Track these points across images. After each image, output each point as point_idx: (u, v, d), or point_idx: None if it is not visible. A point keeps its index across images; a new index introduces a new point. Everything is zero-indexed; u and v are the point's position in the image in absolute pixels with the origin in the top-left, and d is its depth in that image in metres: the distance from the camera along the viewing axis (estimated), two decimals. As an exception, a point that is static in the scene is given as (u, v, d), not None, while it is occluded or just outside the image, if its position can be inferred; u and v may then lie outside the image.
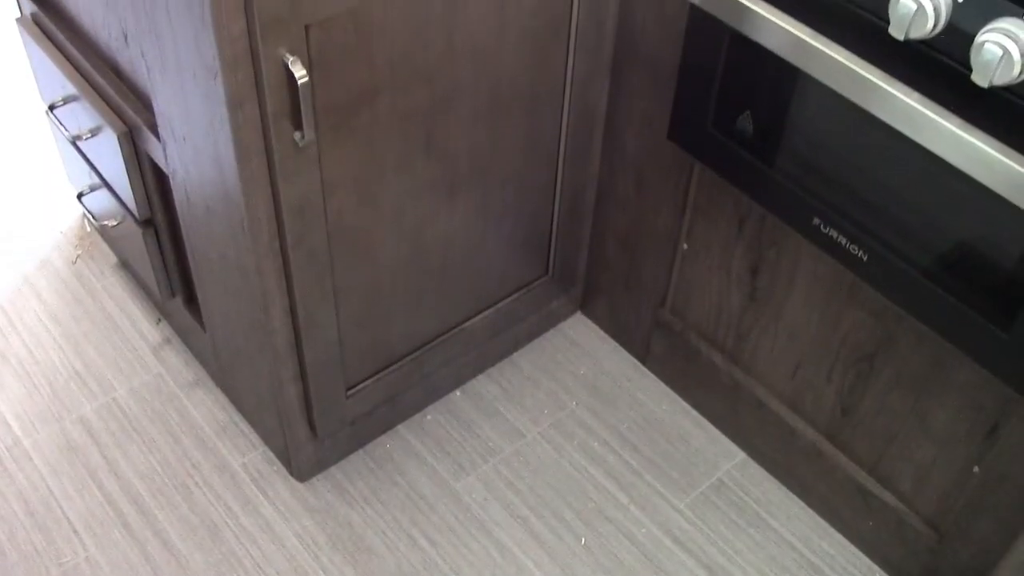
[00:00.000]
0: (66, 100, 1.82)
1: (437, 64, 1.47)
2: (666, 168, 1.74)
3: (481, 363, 2.02)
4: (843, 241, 1.45)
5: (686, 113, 1.59)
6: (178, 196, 1.65)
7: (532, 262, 1.94)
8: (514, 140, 1.68)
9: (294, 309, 1.56)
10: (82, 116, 1.78)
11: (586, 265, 2.05)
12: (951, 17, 1.18)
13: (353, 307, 1.65)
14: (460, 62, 1.50)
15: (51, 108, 1.88)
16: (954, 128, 1.22)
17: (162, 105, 1.51)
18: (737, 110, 1.51)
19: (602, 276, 2.03)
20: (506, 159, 1.70)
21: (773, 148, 1.49)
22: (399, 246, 1.64)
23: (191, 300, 1.92)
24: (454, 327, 1.88)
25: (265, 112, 1.31)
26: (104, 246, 2.25)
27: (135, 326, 2.10)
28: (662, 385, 2.03)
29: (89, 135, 1.79)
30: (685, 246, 1.79)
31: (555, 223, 1.89)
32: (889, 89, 1.26)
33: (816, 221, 1.47)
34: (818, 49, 1.32)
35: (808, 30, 1.33)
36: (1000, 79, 1.14)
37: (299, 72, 1.27)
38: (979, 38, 1.14)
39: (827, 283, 1.59)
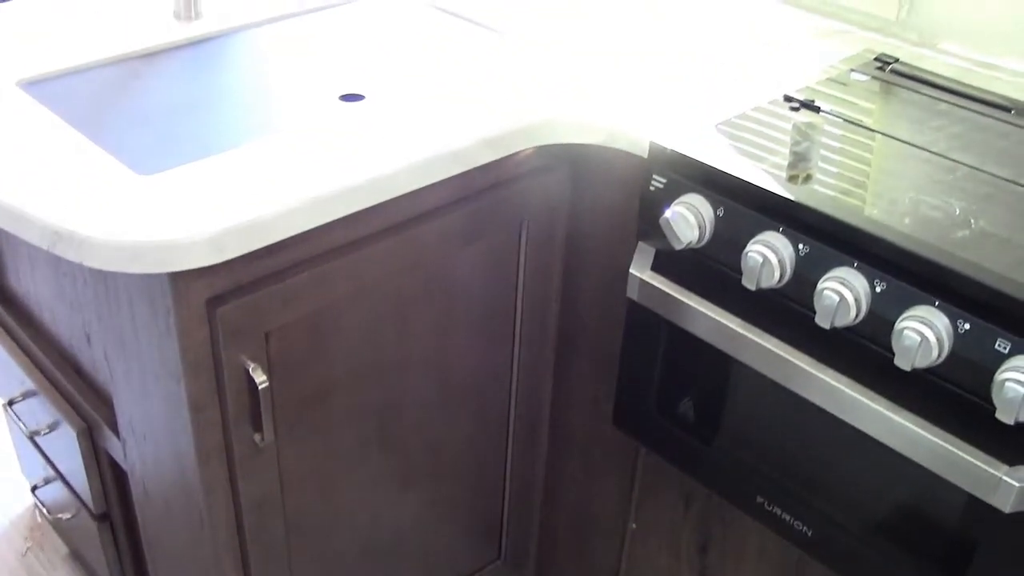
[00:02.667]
0: (24, 395, 1.84)
1: (390, 362, 1.52)
2: (612, 451, 1.78)
3: (436, 648, 2.00)
4: (787, 518, 1.48)
5: (629, 400, 1.64)
6: (136, 491, 1.66)
7: (484, 546, 1.95)
8: (464, 430, 1.73)
9: (251, 603, 1.56)
10: (40, 412, 1.80)
11: (537, 546, 2.05)
12: (871, 306, 1.25)
13: (309, 598, 1.65)
14: (411, 359, 1.55)
15: (9, 403, 1.90)
16: (881, 409, 1.27)
17: (123, 404, 1.54)
18: (678, 396, 1.57)
19: (554, 557, 2.04)
20: (456, 448, 1.74)
21: (715, 431, 1.54)
22: (354, 537, 1.65)
23: (145, 593, 1.90)
24: (408, 614, 1.87)
25: (226, 415, 1.34)
26: (55, 537, 2.23)
27: (85, 620, 2.08)
28: (617, 665, 2.01)
29: (47, 430, 1.80)
30: (634, 526, 1.82)
31: (505, 507, 1.91)
32: (818, 375, 1.32)
33: (760, 499, 1.51)
34: (750, 339, 1.38)
35: (739, 321, 1.40)
36: (921, 362, 1.20)
37: (259, 378, 1.31)
38: (898, 325, 1.21)
39: (775, 558, 1.61)
